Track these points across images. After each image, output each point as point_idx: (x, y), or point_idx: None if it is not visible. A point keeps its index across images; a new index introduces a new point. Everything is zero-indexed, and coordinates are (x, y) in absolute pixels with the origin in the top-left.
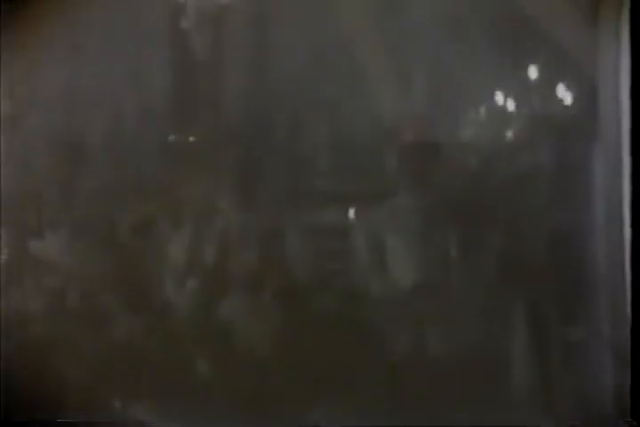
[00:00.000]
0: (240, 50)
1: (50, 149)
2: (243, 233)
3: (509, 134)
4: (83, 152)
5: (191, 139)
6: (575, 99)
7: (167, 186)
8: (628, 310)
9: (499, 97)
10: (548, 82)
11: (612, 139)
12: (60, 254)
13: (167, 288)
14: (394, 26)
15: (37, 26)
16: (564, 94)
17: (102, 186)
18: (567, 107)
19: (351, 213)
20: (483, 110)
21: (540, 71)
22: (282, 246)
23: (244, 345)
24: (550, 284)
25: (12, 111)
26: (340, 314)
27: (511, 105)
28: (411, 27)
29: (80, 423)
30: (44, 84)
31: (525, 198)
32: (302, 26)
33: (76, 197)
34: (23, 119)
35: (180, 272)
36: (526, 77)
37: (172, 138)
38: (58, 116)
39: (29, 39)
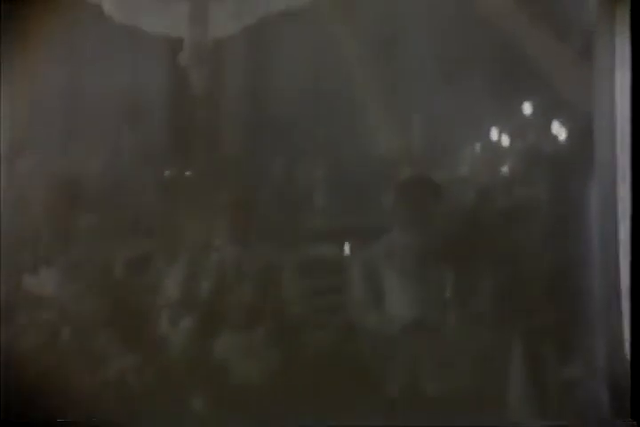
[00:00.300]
0: (237, 86)
1: (47, 188)
2: (238, 269)
3: (506, 171)
4: (79, 190)
5: (187, 176)
6: (571, 135)
7: (163, 223)
8: (627, 348)
9: (495, 134)
10: (544, 119)
11: (607, 174)
12: (55, 291)
13: (162, 325)
14: (392, 64)
15: (36, 61)
16: (560, 131)
17: (98, 223)
18: (563, 143)
19: (347, 249)
20: (479, 147)
21: (536, 108)
22: (277, 283)
23: (238, 382)
24: (547, 320)
25: (9, 151)
26: (336, 351)
27: (507, 142)
28: (409, 66)
29: (80, 423)
30: (41, 124)
31: (521, 235)
32: (300, 63)
33: (72, 234)
34: (20, 158)
35: (174, 309)
36: (522, 115)
37: (168, 175)
38: (55, 155)
39: (27, 78)
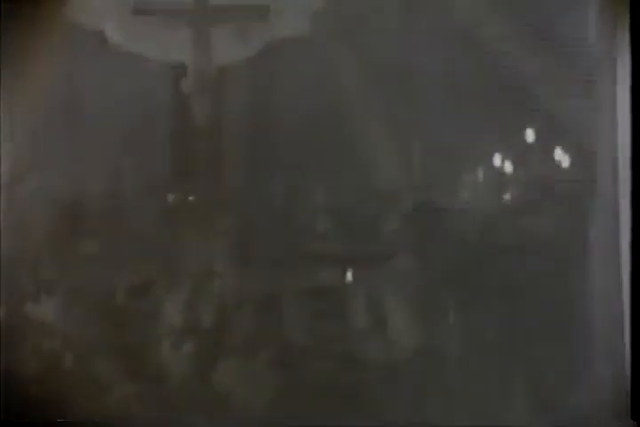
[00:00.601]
0: (239, 113)
1: (47, 213)
2: (239, 296)
3: (508, 199)
4: (80, 215)
5: (189, 202)
6: (573, 163)
7: (165, 249)
8: (628, 380)
9: (497, 162)
10: (546, 147)
11: (610, 203)
12: (55, 317)
13: (163, 352)
14: (394, 93)
15: (37, 86)
16: (563, 159)
17: (99, 249)
18: (565, 171)
19: (349, 276)
20: (481, 176)
21: (539, 136)
22: (278, 310)
23: (239, 410)
24: (550, 351)
25: (9, 175)
26: (337, 379)
27: (509, 170)
28: (411, 93)
29: (80, 423)
30: (42, 148)
31: (522, 263)
32: (302, 91)
33: (73, 259)
34: (21, 183)
35: (176, 335)
36: (525, 143)
37: (170, 201)
38: (56, 180)
39: (28, 103)
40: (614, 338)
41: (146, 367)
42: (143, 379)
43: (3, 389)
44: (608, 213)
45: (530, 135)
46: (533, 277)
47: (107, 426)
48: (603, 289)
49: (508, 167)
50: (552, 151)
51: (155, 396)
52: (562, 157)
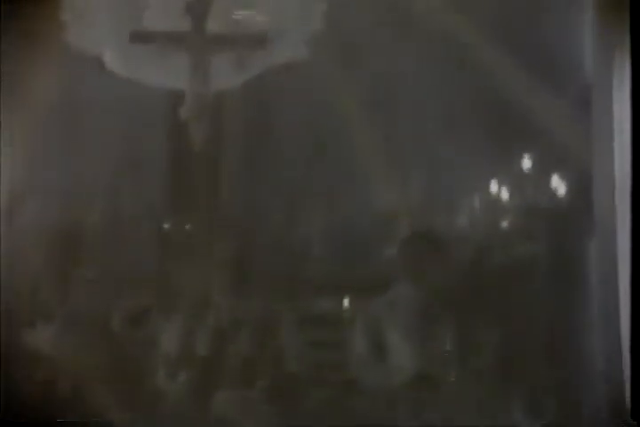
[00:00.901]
0: (236, 139)
1: (46, 240)
2: (236, 325)
3: (505, 225)
4: (77, 243)
5: (187, 228)
6: (570, 190)
7: (161, 276)
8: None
9: (494, 189)
10: (543, 174)
11: (607, 229)
12: (52, 345)
13: (159, 380)
14: (392, 119)
15: (34, 113)
16: (559, 186)
17: (96, 277)
18: (562, 198)
19: (347, 303)
20: (478, 202)
21: (535, 163)
22: (276, 338)
23: None
24: (547, 379)
25: (7, 203)
26: (336, 408)
27: (506, 196)
28: (409, 120)
29: (80, 423)
30: (39, 176)
31: (520, 290)
32: (300, 117)
33: (70, 287)
34: (19, 209)
35: (172, 364)
36: (521, 170)
37: (167, 227)
38: (53, 208)
39: (27, 130)
40: (614, 368)
41: (142, 395)
42: (139, 406)
43: (3, 389)
44: (606, 240)
45: (526, 162)
46: (531, 304)
47: (107, 426)
48: (601, 318)
49: (505, 194)
50: (549, 177)
51: (150, 424)
52: (558, 183)
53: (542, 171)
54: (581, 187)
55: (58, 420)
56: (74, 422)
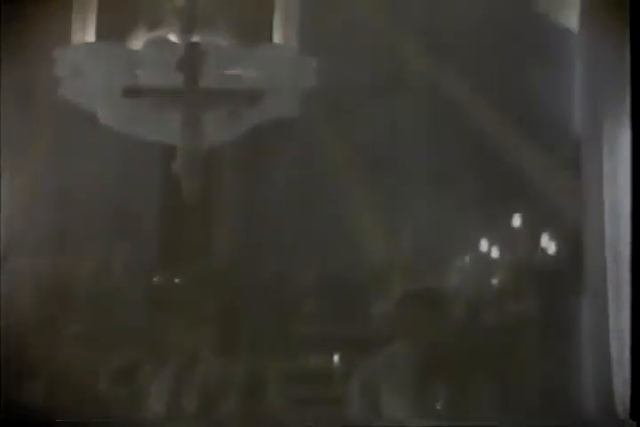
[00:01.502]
0: (228, 194)
1: (35, 294)
2: (225, 381)
3: (495, 283)
4: (66, 298)
5: (177, 285)
6: (560, 248)
7: (150, 332)
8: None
9: (484, 247)
10: (533, 231)
11: (598, 286)
12: (40, 400)
13: None
14: (383, 176)
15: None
16: (550, 243)
17: (85, 332)
18: (553, 255)
19: (337, 360)
20: (469, 260)
21: (526, 221)
22: (265, 395)
23: None
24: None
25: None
26: None
27: (496, 254)
28: (399, 177)
29: (80, 423)
30: (29, 230)
31: (513, 348)
32: (291, 173)
33: (59, 342)
34: (7, 264)
35: (160, 422)
36: (512, 228)
37: (157, 284)
38: (43, 262)
39: (22, 182)
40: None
41: None
42: None
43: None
44: (596, 297)
45: (517, 220)
46: (523, 362)
47: (107, 426)
48: (593, 376)
49: (495, 252)
50: (539, 235)
51: None
52: (549, 240)
53: (533, 228)
54: (572, 244)
55: (58, 420)
56: (74, 422)
